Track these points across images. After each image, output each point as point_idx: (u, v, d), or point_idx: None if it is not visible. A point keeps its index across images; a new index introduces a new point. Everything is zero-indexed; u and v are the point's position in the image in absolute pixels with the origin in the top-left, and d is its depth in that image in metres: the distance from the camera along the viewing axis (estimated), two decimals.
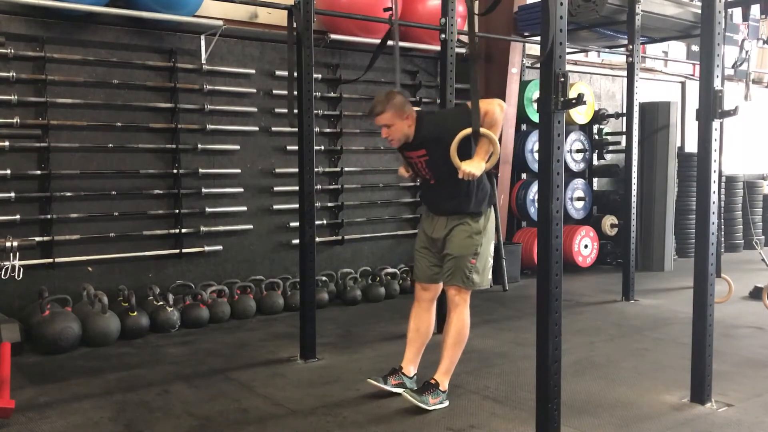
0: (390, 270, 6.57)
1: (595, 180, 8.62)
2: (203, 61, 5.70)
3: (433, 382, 3.60)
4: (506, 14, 7.24)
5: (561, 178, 2.90)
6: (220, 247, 5.90)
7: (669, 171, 7.94)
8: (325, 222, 6.54)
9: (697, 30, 5.40)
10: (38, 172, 5.08)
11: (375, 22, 5.97)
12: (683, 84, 10.14)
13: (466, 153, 3.44)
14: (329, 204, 6.61)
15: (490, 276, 3.72)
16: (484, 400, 3.72)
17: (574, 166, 8.05)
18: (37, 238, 4.97)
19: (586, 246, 7.83)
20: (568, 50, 3.12)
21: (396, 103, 3.54)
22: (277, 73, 6.14)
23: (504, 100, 7.17)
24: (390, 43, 4.62)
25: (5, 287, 4.55)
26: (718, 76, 3.52)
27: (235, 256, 6.03)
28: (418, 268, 3.84)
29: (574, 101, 2.84)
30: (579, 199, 8.05)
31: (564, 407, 3.07)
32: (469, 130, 3.37)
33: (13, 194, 4.95)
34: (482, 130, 3.37)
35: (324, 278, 6.18)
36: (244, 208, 6.05)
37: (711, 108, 3.50)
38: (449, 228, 3.63)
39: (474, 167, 3.38)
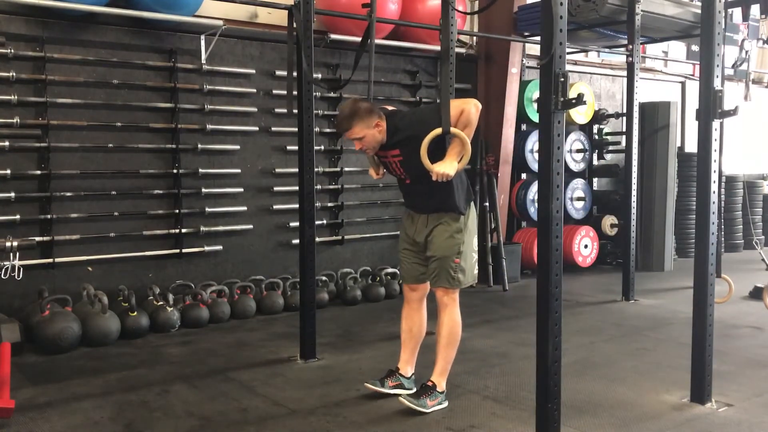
0: (390, 270, 6.56)
1: (595, 180, 8.61)
2: (203, 61, 5.70)
3: (429, 384, 3.59)
4: (506, 14, 7.24)
5: (561, 178, 2.90)
6: (220, 247, 5.90)
7: (669, 171, 7.94)
8: (325, 222, 6.54)
9: (697, 30, 5.40)
10: (38, 172, 5.08)
11: (375, 21, 5.96)
12: (683, 84, 10.14)
13: (440, 153, 3.38)
14: (329, 204, 6.61)
15: (476, 271, 3.67)
16: (484, 400, 3.72)
17: (574, 166, 8.05)
18: (37, 238, 4.97)
19: (586, 246, 7.83)
20: (568, 50, 3.12)
21: (362, 114, 3.43)
22: (277, 73, 6.14)
23: (504, 100, 7.27)
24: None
25: (5, 287, 4.55)
26: (718, 76, 3.52)
27: (235, 256, 6.03)
28: (404, 270, 3.80)
29: (574, 101, 2.84)
30: (579, 199, 8.05)
31: (564, 407, 3.07)
32: (439, 130, 3.31)
33: (13, 194, 4.95)
34: (453, 129, 3.31)
35: (324, 278, 6.18)
36: (244, 208, 6.05)
37: (711, 108, 3.50)
38: (430, 228, 3.58)
39: (446, 168, 3.31)
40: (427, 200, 3.58)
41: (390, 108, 3.68)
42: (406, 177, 3.60)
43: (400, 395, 3.57)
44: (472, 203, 3.68)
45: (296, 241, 5.16)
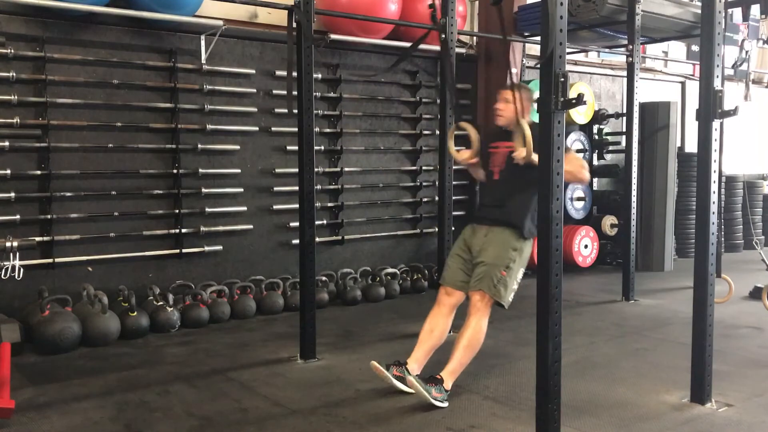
0: (390, 270, 6.56)
1: (595, 180, 8.61)
2: (203, 61, 5.70)
3: (438, 377, 3.62)
4: (506, 14, 7.24)
5: (561, 178, 2.90)
6: (220, 247, 5.90)
7: (669, 171, 7.94)
8: (325, 222, 6.54)
9: (697, 30, 5.40)
10: (38, 172, 5.08)
11: (375, 22, 5.97)
12: (683, 84, 10.13)
13: (531, 172, 3.48)
14: (329, 204, 6.61)
15: (511, 298, 3.79)
16: (484, 400, 3.72)
17: None
18: (37, 238, 4.97)
19: (586, 246, 7.83)
20: (568, 50, 3.12)
21: (524, 91, 3.81)
22: (277, 73, 6.14)
23: None
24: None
25: (5, 287, 4.55)
26: (718, 76, 3.52)
27: (235, 256, 6.03)
28: (447, 271, 3.94)
29: (574, 101, 2.84)
30: (579, 199, 8.04)
31: (564, 407, 3.06)
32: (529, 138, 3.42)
33: (13, 194, 4.95)
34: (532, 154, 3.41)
35: (324, 278, 6.18)
36: (244, 208, 6.05)
37: (711, 108, 3.50)
38: (489, 237, 3.74)
39: (532, 156, 3.42)
40: (502, 206, 3.75)
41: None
42: (497, 171, 3.82)
43: (410, 376, 3.57)
44: (533, 240, 3.80)
45: (296, 241, 5.16)
